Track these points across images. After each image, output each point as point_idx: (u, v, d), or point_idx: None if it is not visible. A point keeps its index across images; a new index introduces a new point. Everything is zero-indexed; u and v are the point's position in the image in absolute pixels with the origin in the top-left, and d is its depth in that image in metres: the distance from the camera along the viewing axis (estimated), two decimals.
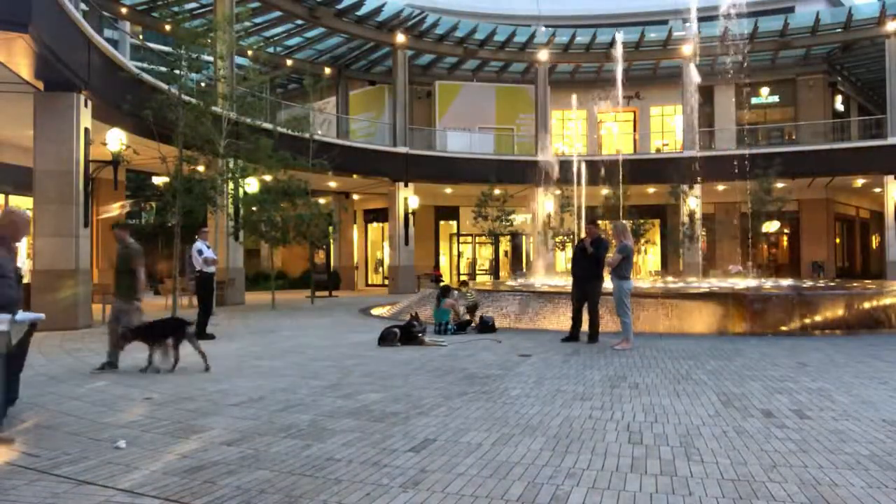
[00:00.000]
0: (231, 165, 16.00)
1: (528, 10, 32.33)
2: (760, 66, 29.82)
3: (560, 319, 11.67)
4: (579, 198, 22.98)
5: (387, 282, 28.47)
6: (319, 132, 22.23)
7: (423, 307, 13.48)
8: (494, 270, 30.32)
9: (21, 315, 4.80)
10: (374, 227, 31.79)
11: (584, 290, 9.97)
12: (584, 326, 10.06)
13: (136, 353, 7.68)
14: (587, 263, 9.91)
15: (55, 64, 11.09)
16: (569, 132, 33.00)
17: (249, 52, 21.23)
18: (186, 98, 13.30)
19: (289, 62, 27.61)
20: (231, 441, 4.58)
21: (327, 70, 28.81)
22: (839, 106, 30.96)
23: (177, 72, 13.24)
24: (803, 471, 3.89)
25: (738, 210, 26.01)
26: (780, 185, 23.45)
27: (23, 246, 15.93)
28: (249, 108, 16.57)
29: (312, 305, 18.96)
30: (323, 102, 27.07)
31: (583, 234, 10.59)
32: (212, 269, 11.27)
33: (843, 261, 30.88)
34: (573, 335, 10.05)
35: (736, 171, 22.35)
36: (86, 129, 12.76)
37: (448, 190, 28.87)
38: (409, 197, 26.27)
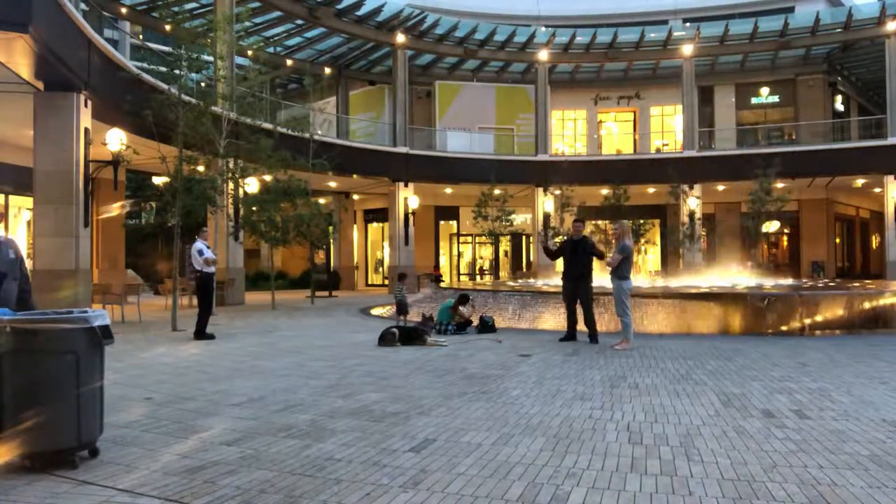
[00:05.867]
0: (231, 165, 16.00)
1: (528, 10, 32.33)
2: (760, 66, 29.84)
3: (560, 319, 11.67)
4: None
5: (387, 282, 28.47)
6: (319, 132, 22.22)
7: (424, 307, 13.48)
8: (494, 270, 30.32)
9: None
10: (374, 227, 31.78)
11: (576, 288, 9.98)
12: (581, 326, 10.07)
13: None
14: (577, 261, 9.92)
15: (55, 64, 11.09)
16: (568, 132, 33.03)
17: (249, 52, 21.23)
18: (186, 98, 13.29)
19: (289, 62, 27.61)
20: (231, 441, 4.58)
21: (327, 70, 28.81)
22: (839, 106, 30.95)
23: (177, 72, 13.23)
24: (803, 471, 3.88)
25: (738, 210, 26.06)
26: (780, 185, 23.46)
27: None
28: (249, 108, 16.55)
29: (312, 305, 18.95)
30: (323, 102, 27.07)
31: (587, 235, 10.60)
32: (212, 269, 11.27)
33: (843, 261, 30.88)
34: (570, 334, 10.06)
35: (737, 171, 22.40)
36: (86, 129, 12.75)
37: (448, 190, 28.87)
38: (409, 197, 26.27)
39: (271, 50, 26.38)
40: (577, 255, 9.94)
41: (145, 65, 18.00)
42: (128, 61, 15.67)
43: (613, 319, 10.36)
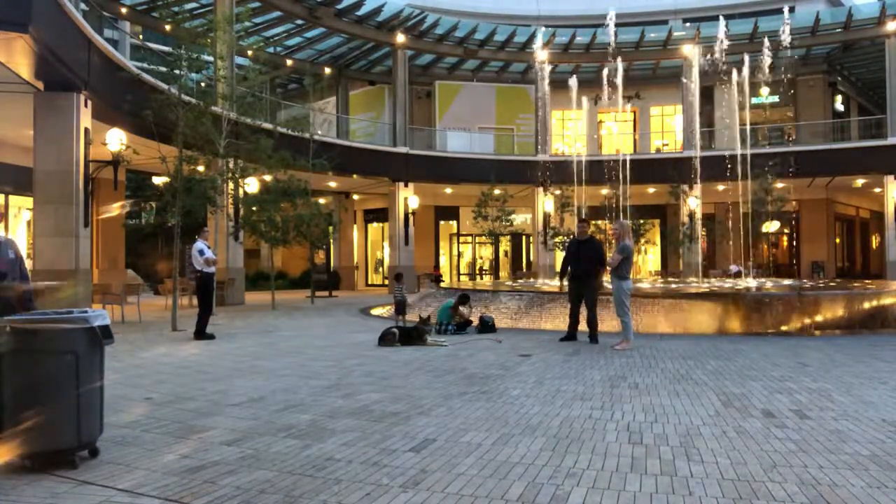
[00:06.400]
0: (231, 165, 16.00)
1: (528, 10, 32.33)
2: (760, 66, 29.83)
3: (560, 320, 11.67)
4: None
5: (387, 282, 28.48)
6: (319, 132, 22.22)
7: (425, 308, 13.48)
8: (494, 270, 30.32)
9: None
10: (374, 227, 31.79)
11: (580, 288, 9.99)
12: (583, 325, 10.07)
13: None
14: (581, 262, 9.93)
15: (55, 64, 11.10)
16: (569, 132, 33.02)
17: (249, 52, 21.23)
18: (186, 98, 13.29)
19: (289, 62, 27.63)
20: (231, 441, 4.58)
21: (327, 70, 28.81)
22: (839, 106, 30.95)
23: (177, 72, 13.23)
24: (803, 471, 3.88)
25: (738, 210, 26.03)
26: (780, 184, 23.46)
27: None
28: (249, 108, 16.56)
29: (312, 305, 18.95)
30: (323, 102, 27.07)
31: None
32: (212, 269, 11.27)
33: (843, 261, 30.88)
34: (571, 334, 10.06)
35: (736, 170, 22.35)
36: (86, 129, 12.76)
37: (448, 190, 28.87)
38: (409, 197, 26.27)
39: (271, 50, 26.38)
40: (582, 255, 9.96)
41: (145, 65, 18.00)
42: (128, 61, 15.67)
43: (613, 319, 10.36)
